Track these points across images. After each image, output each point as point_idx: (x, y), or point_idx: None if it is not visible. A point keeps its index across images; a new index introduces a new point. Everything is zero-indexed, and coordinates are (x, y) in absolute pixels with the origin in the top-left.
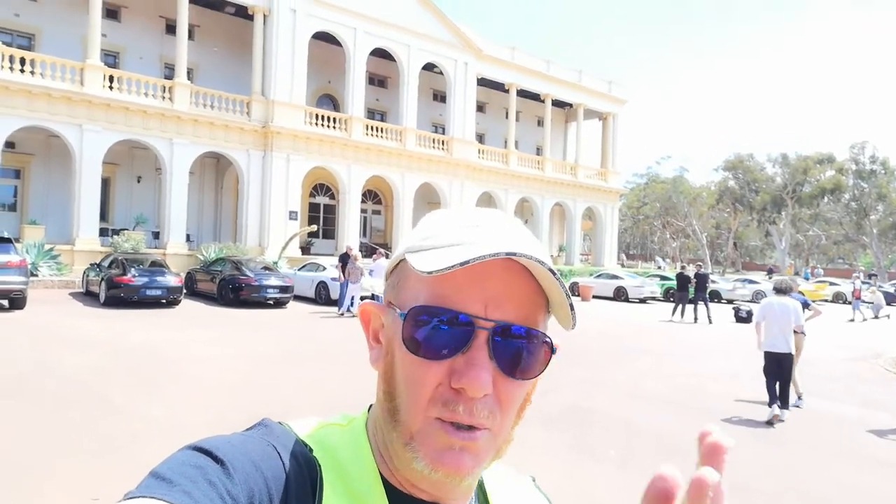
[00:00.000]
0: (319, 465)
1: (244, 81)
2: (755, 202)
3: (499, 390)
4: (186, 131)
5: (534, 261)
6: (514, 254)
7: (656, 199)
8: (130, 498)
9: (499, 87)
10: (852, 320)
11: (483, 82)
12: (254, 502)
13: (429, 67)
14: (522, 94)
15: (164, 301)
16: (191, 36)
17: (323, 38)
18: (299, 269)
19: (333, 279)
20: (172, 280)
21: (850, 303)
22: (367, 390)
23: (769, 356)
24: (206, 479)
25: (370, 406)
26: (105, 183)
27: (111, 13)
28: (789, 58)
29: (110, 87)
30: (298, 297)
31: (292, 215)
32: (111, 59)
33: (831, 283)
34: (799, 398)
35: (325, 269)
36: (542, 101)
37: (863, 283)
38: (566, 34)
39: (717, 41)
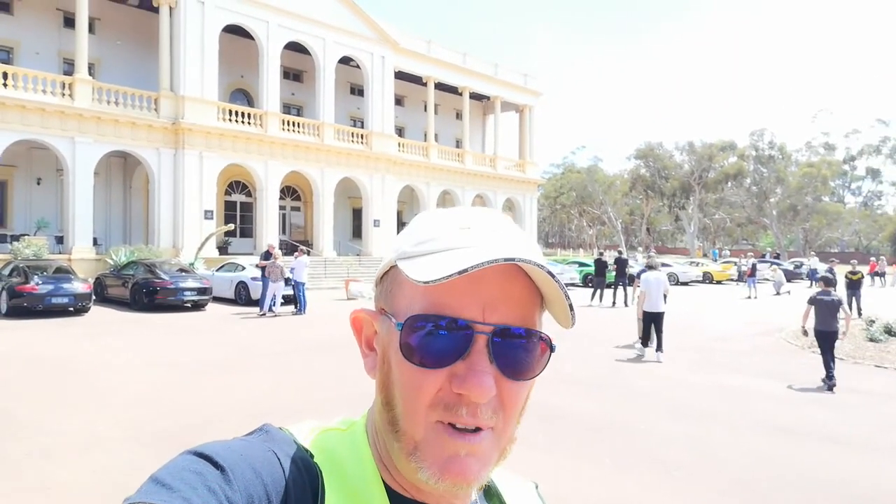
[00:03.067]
0: (320, 471)
1: (151, 77)
2: (665, 188)
3: (501, 391)
4: (89, 129)
5: (533, 265)
6: (513, 259)
7: (573, 188)
8: (130, 503)
9: (417, 80)
10: (748, 297)
11: (401, 76)
12: None
13: (345, 61)
14: (440, 87)
15: (71, 309)
16: (91, 29)
17: (234, 31)
18: (217, 270)
19: (254, 279)
20: (80, 286)
21: (744, 281)
22: (292, 395)
23: (649, 315)
24: (205, 485)
25: (369, 410)
26: (2, 186)
27: (2, 5)
28: (694, 48)
29: (4, 85)
30: (218, 299)
31: (208, 215)
32: (4, 54)
33: (735, 264)
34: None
35: (244, 268)
36: (460, 94)
37: (765, 262)
38: (480, 28)
39: (626, 34)
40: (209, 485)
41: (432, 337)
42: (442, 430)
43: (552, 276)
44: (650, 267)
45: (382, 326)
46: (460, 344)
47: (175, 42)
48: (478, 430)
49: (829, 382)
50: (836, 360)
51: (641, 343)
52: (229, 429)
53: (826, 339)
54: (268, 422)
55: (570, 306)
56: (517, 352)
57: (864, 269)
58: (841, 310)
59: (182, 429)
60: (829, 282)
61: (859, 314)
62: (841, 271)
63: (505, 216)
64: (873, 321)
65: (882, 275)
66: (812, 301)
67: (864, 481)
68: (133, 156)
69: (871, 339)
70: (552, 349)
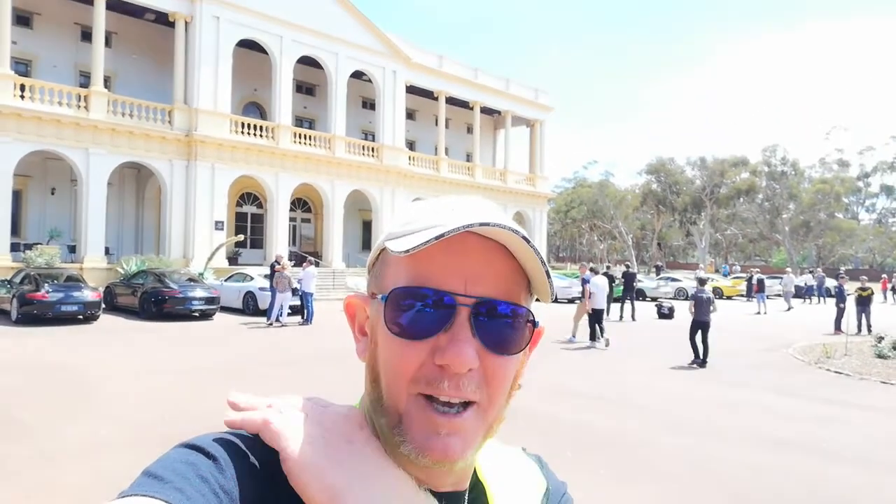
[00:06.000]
0: None
1: (166, 90)
2: (677, 203)
3: (486, 366)
4: (104, 141)
5: (506, 230)
6: (488, 224)
7: (583, 202)
8: (123, 497)
9: (428, 94)
10: (758, 313)
11: (412, 90)
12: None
13: (357, 75)
14: (452, 101)
15: (81, 317)
16: (108, 43)
17: (248, 45)
18: (226, 280)
19: (262, 289)
20: (89, 294)
21: (752, 297)
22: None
23: (597, 311)
24: (198, 474)
25: (362, 397)
26: (16, 196)
27: (22, 20)
28: (707, 64)
29: (21, 97)
30: (226, 309)
31: (218, 225)
32: (23, 67)
33: (747, 279)
34: (574, 337)
35: (252, 279)
36: (471, 109)
37: (776, 277)
38: (492, 44)
39: (639, 50)
40: (202, 474)
41: (415, 309)
42: (424, 403)
43: (527, 241)
44: (596, 273)
45: (372, 308)
46: (443, 316)
47: (190, 56)
48: (462, 408)
49: (704, 360)
50: (707, 343)
51: (590, 338)
52: None
53: (703, 326)
54: None
55: (547, 273)
56: (500, 325)
57: (876, 286)
58: (713, 304)
59: (185, 434)
60: (703, 281)
61: (868, 330)
62: (851, 287)
63: (490, 201)
64: (882, 338)
65: (895, 291)
66: (693, 297)
67: (863, 497)
68: (146, 167)
69: (880, 356)
70: (535, 325)
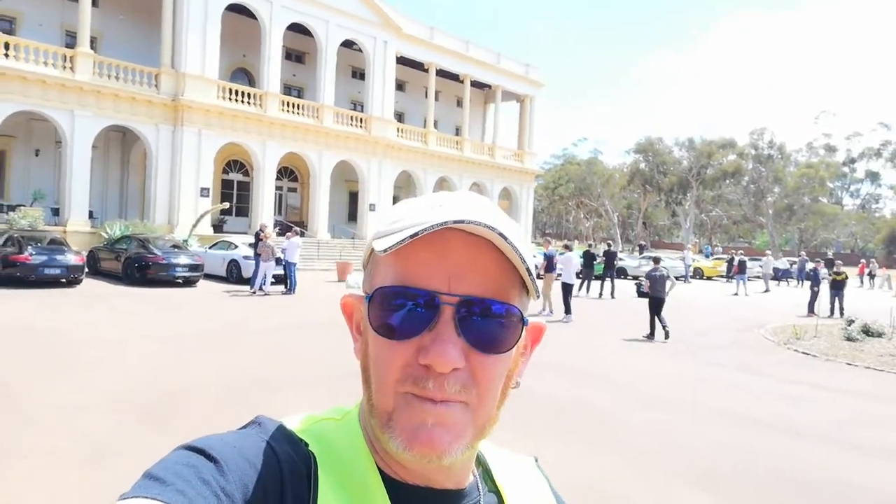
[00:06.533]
0: (315, 459)
1: (153, 53)
2: (663, 184)
3: (473, 365)
4: (89, 103)
5: (482, 226)
6: (463, 221)
7: (571, 179)
8: (124, 499)
9: (418, 66)
10: (735, 294)
11: (402, 61)
12: (249, 499)
13: (347, 44)
14: (442, 74)
15: (63, 280)
16: (95, 3)
17: (238, 10)
18: (210, 248)
19: (246, 257)
20: (73, 258)
21: (731, 278)
22: (276, 371)
23: (566, 285)
24: (199, 477)
25: (361, 401)
26: (0, 156)
27: None
28: (700, 45)
29: (6, 55)
30: (210, 276)
31: (204, 192)
32: (7, 24)
33: (728, 261)
34: (551, 311)
35: (236, 247)
36: (461, 82)
37: (757, 259)
38: (483, 17)
39: (632, 29)
40: (203, 476)
41: (399, 308)
42: (412, 399)
43: (504, 237)
44: (568, 248)
45: (364, 308)
46: (426, 315)
47: (178, 19)
48: (447, 402)
49: (665, 333)
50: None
51: (565, 312)
52: (211, 399)
53: (658, 303)
54: (261, 413)
55: (528, 270)
56: (485, 323)
57: (854, 271)
58: (668, 281)
59: (164, 397)
60: (658, 260)
61: (841, 314)
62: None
63: (483, 198)
64: (852, 321)
65: (872, 276)
66: (648, 276)
67: (817, 471)
68: (132, 131)
69: (848, 339)
70: (524, 323)
